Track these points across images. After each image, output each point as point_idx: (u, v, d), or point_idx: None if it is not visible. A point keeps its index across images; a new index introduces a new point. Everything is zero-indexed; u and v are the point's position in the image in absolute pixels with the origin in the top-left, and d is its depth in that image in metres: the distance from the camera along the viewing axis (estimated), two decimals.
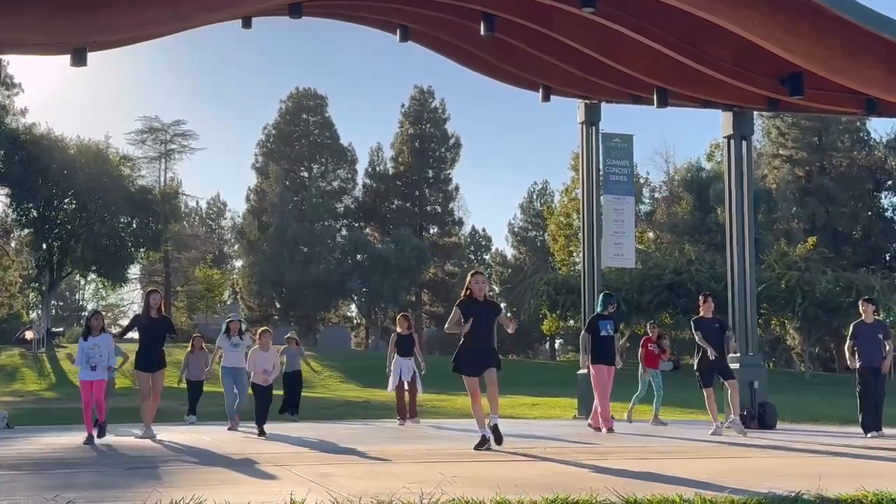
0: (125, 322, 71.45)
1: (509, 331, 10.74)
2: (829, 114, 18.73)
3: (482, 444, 10.39)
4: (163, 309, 13.64)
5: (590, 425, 14.85)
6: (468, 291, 10.68)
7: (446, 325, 10.90)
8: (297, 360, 18.89)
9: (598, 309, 14.92)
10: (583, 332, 15.20)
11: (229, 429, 15.11)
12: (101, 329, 12.55)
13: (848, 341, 14.37)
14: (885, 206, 65.99)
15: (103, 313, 13.39)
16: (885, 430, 14.05)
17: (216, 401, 20.41)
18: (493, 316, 10.76)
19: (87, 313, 12.92)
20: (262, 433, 13.34)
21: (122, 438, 13.14)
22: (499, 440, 10.38)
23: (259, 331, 14.32)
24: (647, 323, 18.68)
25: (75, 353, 12.81)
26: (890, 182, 64.69)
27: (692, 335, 14.59)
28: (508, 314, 11.35)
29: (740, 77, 15.05)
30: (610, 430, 14.22)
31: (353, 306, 77.06)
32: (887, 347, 14.11)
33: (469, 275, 11.01)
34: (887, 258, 63.82)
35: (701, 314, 14.33)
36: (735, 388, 14.05)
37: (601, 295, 15.22)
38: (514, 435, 13.28)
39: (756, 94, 15.84)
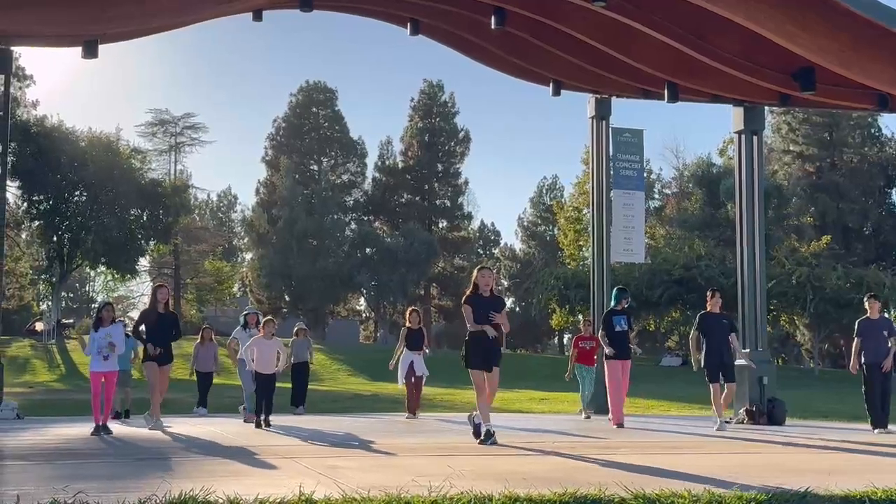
0: (134, 314, 71.98)
1: (503, 329, 10.71)
2: (841, 109, 18.67)
3: (487, 438, 10.41)
4: (171, 304, 13.64)
5: (610, 421, 14.73)
6: (474, 286, 10.68)
7: (468, 326, 10.83)
8: (306, 351, 18.91)
9: (612, 304, 14.91)
10: (599, 330, 15.18)
11: (245, 420, 15.09)
12: (112, 320, 12.60)
13: (855, 339, 14.31)
14: None
15: (114, 304, 13.43)
16: (892, 427, 14.00)
17: (227, 393, 20.51)
18: (497, 310, 10.75)
19: (97, 304, 12.96)
20: (266, 424, 13.36)
21: (132, 430, 13.19)
22: (486, 439, 10.36)
23: (263, 321, 14.30)
24: (581, 319, 18.46)
25: (87, 341, 12.88)
26: None
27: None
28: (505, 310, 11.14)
29: (751, 72, 14.99)
30: (619, 425, 14.21)
31: (361, 300, 77.18)
32: (890, 345, 14.08)
33: (476, 269, 11.00)
34: None
35: (708, 309, 14.30)
36: (731, 392, 14.02)
37: (615, 290, 15.18)
38: (523, 429, 13.30)
39: (767, 89, 15.79)
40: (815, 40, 12.83)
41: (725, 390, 14.01)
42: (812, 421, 17.83)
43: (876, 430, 13.71)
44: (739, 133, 17.46)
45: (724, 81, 15.82)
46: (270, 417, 13.68)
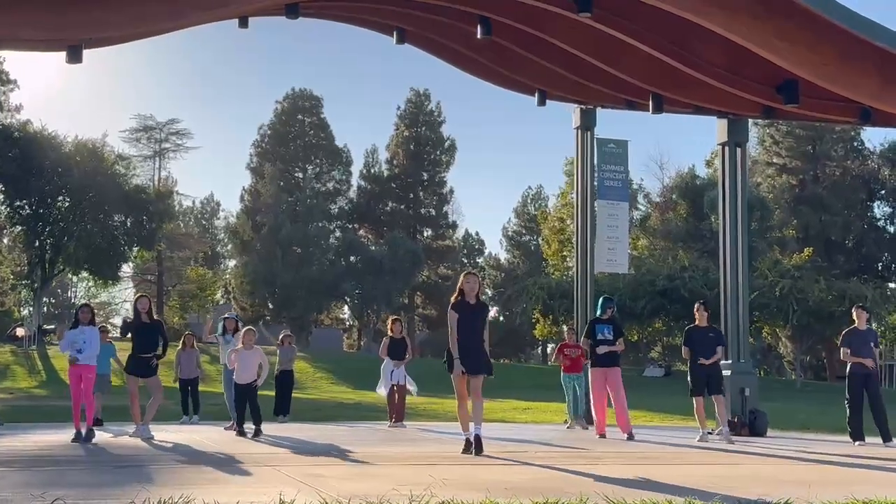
0: (116, 321, 71.68)
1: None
2: (824, 122, 18.78)
3: (468, 448, 10.39)
4: (153, 312, 13.56)
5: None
6: (460, 292, 10.67)
7: (449, 339, 10.76)
8: (292, 358, 18.83)
9: (598, 313, 14.91)
10: (582, 338, 15.13)
11: (226, 428, 15.02)
12: (88, 322, 12.52)
13: (841, 348, 14.38)
14: (878, 216, 66.28)
15: (93, 307, 13.35)
16: (870, 439, 14.01)
17: (209, 400, 20.40)
18: (483, 317, 10.75)
19: (75, 307, 12.95)
20: (258, 433, 13.28)
21: (113, 437, 13.11)
22: (479, 450, 10.30)
23: (243, 330, 14.23)
24: (565, 328, 18.35)
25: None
26: (883, 192, 64.90)
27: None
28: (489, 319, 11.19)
29: (735, 84, 15.06)
30: (602, 435, 14.22)
31: (345, 308, 77.03)
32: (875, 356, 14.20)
33: (462, 275, 10.99)
34: (879, 267, 63.99)
35: (696, 323, 14.36)
36: (721, 403, 14.07)
37: (600, 299, 15.20)
38: (505, 439, 13.29)
39: (751, 101, 15.85)
40: (799, 53, 12.89)
41: (717, 405, 14.05)
42: (793, 432, 17.87)
43: (857, 443, 13.75)
44: (723, 145, 17.51)
45: (708, 93, 15.87)
46: (262, 427, 13.60)
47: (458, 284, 10.76)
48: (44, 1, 10.93)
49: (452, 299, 10.76)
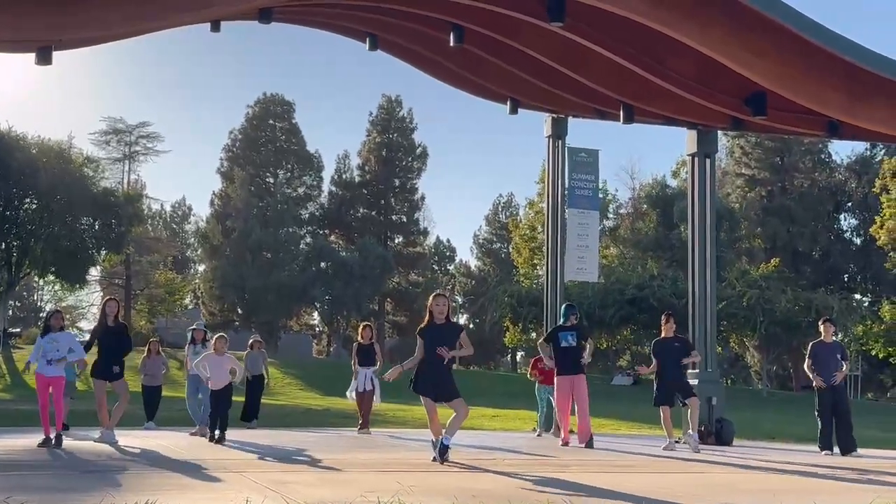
0: (83, 325, 70.98)
1: (462, 353, 10.68)
2: (792, 135, 18.94)
3: (442, 454, 10.37)
4: (120, 317, 13.50)
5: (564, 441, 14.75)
6: (429, 314, 10.59)
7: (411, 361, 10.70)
8: (260, 364, 18.75)
9: (561, 320, 14.94)
10: (540, 340, 15.07)
11: (192, 434, 14.99)
12: (60, 328, 12.40)
13: (807, 360, 14.54)
14: (844, 228, 67.12)
15: (63, 313, 13.23)
16: (837, 449, 14.17)
17: (176, 406, 20.28)
18: (453, 338, 10.60)
19: (46, 313, 12.79)
20: (222, 439, 13.24)
21: (79, 442, 13.00)
22: (442, 458, 10.20)
23: (215, 337, 14.23)
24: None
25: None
26: (850, 203, 65.68)
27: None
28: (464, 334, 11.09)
29: (705, 95, 15.17)
30: (565, 443, 14.25)
31: (315, 314, 76.81)
32: (844, 368, 14.34)
33: (431, 297, 10.84)
34: (845, 279, 64.71)
35: (662, 334, 14.48)
36: (696, 406, 14.16)
37: (563, 306, 15.25)
38: (474, 446, 13.30)
39: (720, 112, 15.98)
40: (769, 66, 13.02)
41: (691, 408, 14.14)
42: (759, 441, 18.02)
43: (823, 452, 13.90)
44: (693, 156, 17.64)
45: (678, 104, 15.98)
46: (226, 433, 13.57)
47: (427, 306, 10.69)
48: (14, 1, 10.84)
49: (422, 324, 10.65)
